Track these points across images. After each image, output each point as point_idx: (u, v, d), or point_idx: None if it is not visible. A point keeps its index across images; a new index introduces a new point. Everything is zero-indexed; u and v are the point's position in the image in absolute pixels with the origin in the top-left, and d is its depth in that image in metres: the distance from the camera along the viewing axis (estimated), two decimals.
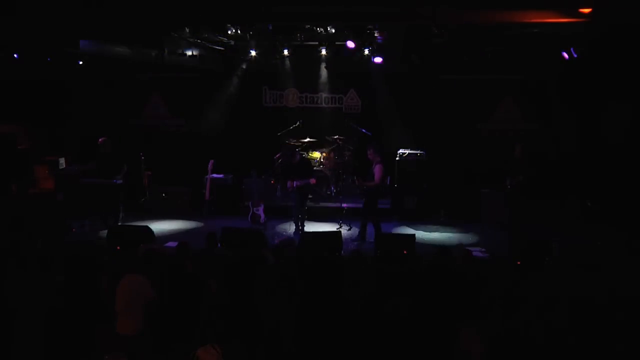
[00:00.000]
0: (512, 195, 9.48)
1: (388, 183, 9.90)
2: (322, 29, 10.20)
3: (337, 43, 10.92)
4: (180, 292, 5.45)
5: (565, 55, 10.00)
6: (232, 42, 11.39)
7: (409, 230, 9.78)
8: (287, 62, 12.29)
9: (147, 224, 8.72)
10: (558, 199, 10.57)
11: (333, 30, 10.25)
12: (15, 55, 10.42)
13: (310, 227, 9.71)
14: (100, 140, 9.92)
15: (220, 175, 11.33)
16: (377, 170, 9.00)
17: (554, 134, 11.71)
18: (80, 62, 11.33)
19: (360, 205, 9.77)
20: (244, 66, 12.48)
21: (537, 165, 9.37)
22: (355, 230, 9.74)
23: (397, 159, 11.02)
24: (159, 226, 10.06)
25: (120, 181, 9.87)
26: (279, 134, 11.81)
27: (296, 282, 5.55)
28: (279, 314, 5.20)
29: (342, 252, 7.90)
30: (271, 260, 6.30)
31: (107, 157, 9.92)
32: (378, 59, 11.11)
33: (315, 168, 11.25)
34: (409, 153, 11.08)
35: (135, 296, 5.20)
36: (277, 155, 11.52)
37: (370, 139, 11.12)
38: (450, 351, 4.60)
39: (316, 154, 11.88)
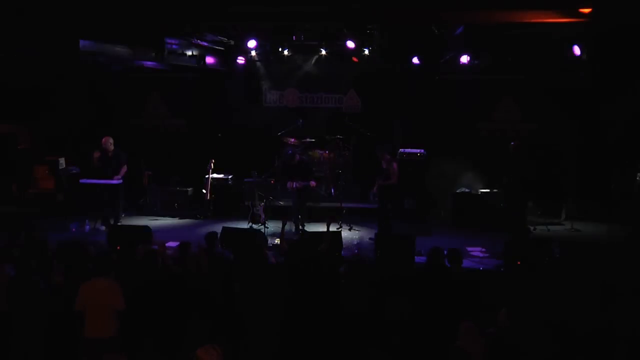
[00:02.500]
0: (509, 193, 9.45)
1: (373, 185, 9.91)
2: (322, 29, 10.21)
3: (337, 43, 10.93)
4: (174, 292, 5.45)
5: (576, 51, 9.79)
6: (232, 42, 11.39)
7: (409, 231, 9.76)
8: (287, 62, 12.28)
9: (147, 224, 8.71)
10: (558, 198, 10.57)
11: (333, 30, 10.25)
12: (15, 56, 10.41)
13: (310, 227, 9.70)
14: (103, 139, 9.92)
15: (220, 175, 11.33)
16: (392, 168, 9.01)
17: (553, 134, 11.71)
18: (80, 62, 11.32)
19: (359, 205, 9.76)
20: (244, 66, 12.47)
21: (534, 163, 9.35)
22: (354, 232, 9.77)
23: (397, 158, 11.01)
24: (159, 226, 10.05)
25: (119, 181, 9.87)
26: (279, 134, 11.81)
27: (290, 283, 5.55)
28: (269, 314, 5.21)
29: (342, 252, 7.92)
30: (271, 261, 6.31)
31: (108, 157, 9.93)
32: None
33: (315, 168, 11.24)
34: (409, 153, 11.07)
35: (103, 301, 5.11)
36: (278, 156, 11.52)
37: (378, 140, 11.13)
38: (449, 351, 4.59)
39: (316, 154, 11.87)
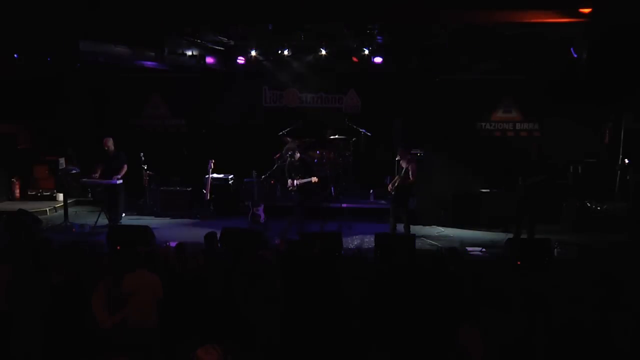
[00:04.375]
0: (524, 194, 9.36)
1: (388, 182, 9.90)
2: (322, 29, 10.21)
3: (337, 43, 10.93)
4: (175, 292, 5.46)
5: (576, 51, 9.86)
6: (232, 42, 11.39)
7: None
8: (287, 62, 12.28)
9: (147, 224, 8.71)
10: (558, 199, 10.56)
11: (333, 31, 10.26)
12: (15, 55, 10.42)
13: (310, 227, 9.69)
14: (105, 139, 9.94)
15: (220, 175, 11.33)
16: (412, 167, 9.01)
17: (553, 134, 11.71)
18: (80, 62, 11.33)
19: (360, 205, 9.72)
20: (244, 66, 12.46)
21: (552, 166, 9.30)
22: (354, 232, 9.78)
23: (397, 159, 11.02)
24: (159, 226, 10.05)
25: (119, 181, 9.87)
26: (279, 134, 11.81)
27: (288, 282, 5.56)
28: (268, 313, 5.22)
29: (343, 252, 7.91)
30: (270, 261, 6.30)
31: (110, 157, 9.94)
32: (378, 59, 11.11)
33: (315, 168, 11.22)
34: None
35: (146, 291, 5.21)
36: (277, 155, 11.52)
37: (377, 140, 11.13)
38: (449, 350, 4.60)
39: (316, 154, 11.87)
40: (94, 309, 5.09)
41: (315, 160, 11.74)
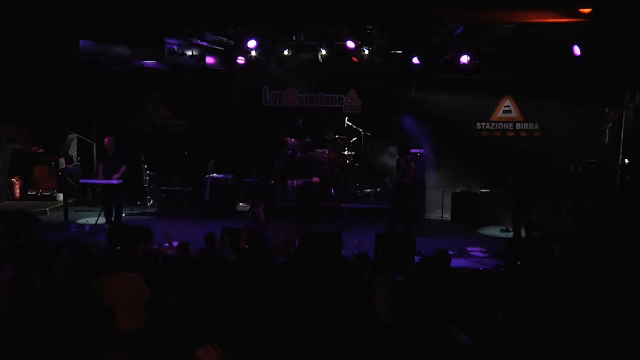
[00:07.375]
0: (514, 195, 9.41)
1: (388, 182, 9.91)
2: (322, 29, 10.21)
3: (337, 43, 10.94)
4: (179, 291, 5.48)
5: (576, 51, 9.83)
6: (232, 42, 11.40)
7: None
8: (287, 62, 12.27)
9: (147, 224, 8.71)
10: (558, 199, 10.57)
11: (333, 30, 10.26)
12: (15, 55, 10.41)
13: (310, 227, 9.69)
14: (106, 139, 9.95)
15: (220, 175, 11.33)
16: (412, 167, 9.06)
17: (553, 134, 11.72)
18: (80, 62, 11.31)
19: (359, 205, 9.72)
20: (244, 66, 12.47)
21: (538, 166, 9.32)
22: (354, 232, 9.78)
23: (396, 158, 11.02)
24: (159, 226, 10.03)
25: (119, 181, 9.87)
26: (279, 134, 11.81)
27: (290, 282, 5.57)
28: (269, 313, 5.23)
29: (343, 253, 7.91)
30: (272, 260, 6.32)
31: (111, 157, 9.95)
32: (379, 59, 11.09)
33: (315, 168, 11.24)
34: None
35: (130, 293, 5.23)
36: (277, 155, 11.51)
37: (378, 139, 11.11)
38: (449, 350, 4.60)
39: (316, 154, 11.87)
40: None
41: (315, 160, 11.74)
